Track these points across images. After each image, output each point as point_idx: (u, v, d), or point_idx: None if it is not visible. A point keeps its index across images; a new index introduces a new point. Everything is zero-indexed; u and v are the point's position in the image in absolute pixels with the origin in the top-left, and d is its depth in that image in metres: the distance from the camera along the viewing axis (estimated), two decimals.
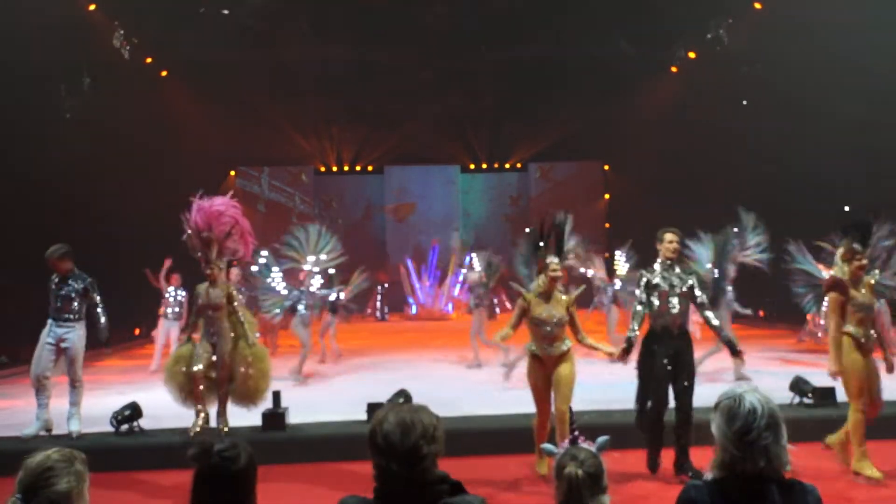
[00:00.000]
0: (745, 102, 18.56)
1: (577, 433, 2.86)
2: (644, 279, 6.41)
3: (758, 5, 16.54)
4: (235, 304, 7.57)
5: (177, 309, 12.70)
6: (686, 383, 6.18)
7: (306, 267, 12.20)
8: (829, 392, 7.73)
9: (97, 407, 8.37)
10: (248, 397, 7.44)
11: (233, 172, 25.90)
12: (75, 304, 7.45)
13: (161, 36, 17.68)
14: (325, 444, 7.22)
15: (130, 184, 16.65)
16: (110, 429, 7.41)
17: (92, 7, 15.42)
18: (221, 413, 7.37)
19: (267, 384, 7.51)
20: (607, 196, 26.89)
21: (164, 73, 19.53)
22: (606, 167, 26.87)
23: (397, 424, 2.19)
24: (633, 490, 5.86)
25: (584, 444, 2.80)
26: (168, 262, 12.93)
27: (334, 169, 26.46)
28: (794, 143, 16.08)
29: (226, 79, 20.29)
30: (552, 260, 6.32)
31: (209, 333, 7.49)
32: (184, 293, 12.57)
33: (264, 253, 12.28)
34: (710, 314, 6.43)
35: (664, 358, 6.13)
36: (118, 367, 13.13)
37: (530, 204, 26.90)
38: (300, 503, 6.03)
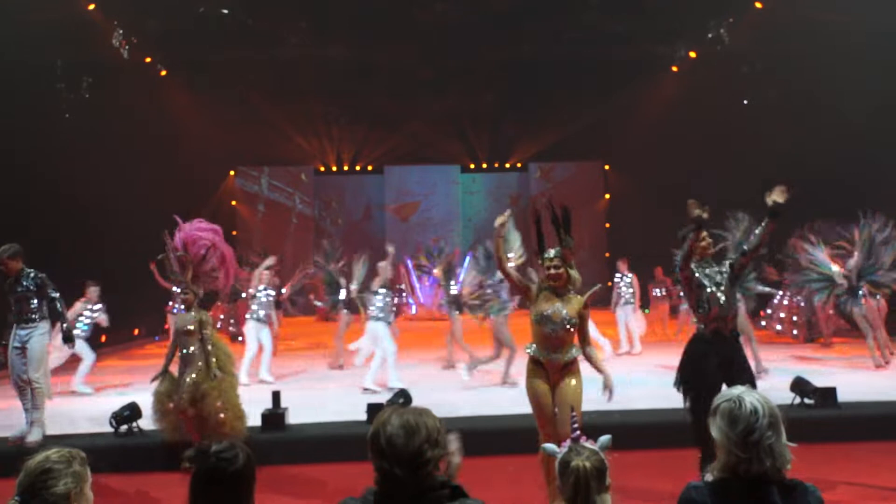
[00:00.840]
0: (745, 102, 18.55)
1: (578, 432, 2.84)
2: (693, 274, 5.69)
3: (759, 4, 16.51)
4: (207, 331, 7.07)
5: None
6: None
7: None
8: (831, 392, 7.71)
9: (97, 407, 8.37)
10: (220, 433, 6.56)
11: (232, 172, 25.90)
12: (33, 303, 7.19)
13: (160, 35, 17.66)
14: (325, 445, 7.20)
15: (130, 184, 16.63)
16: (109, 429, 7.40)
17: (91, 6, 15.39)
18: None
19: (240, 415, 6.97)
20: (607, 196, 26.88)
21: (163, 73, 19.51)
22: (606, 167, 26.86)
23: (401, 427, 2.16)
24: (634, 490, 5.84)
25: (587, 444, 2.79)
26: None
27: (334, 169, 26.46)
28: (794, 142, 16.06)
29: (225, 79, 20.28)
30: (549, 254, 5.38)
31: (182, 357, 7.12)
32: None
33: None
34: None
35: (716, 365, 5.48)
36: (118, 368, 13.13)
37: (530, 204, 26.89)
38: None
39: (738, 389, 2.43)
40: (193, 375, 6.90)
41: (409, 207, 26.79)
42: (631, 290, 13.64)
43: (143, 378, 11.53)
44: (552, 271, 5.33)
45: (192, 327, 7.05)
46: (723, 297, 5.56)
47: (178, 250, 7.30)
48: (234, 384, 7.16)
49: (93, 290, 10.96)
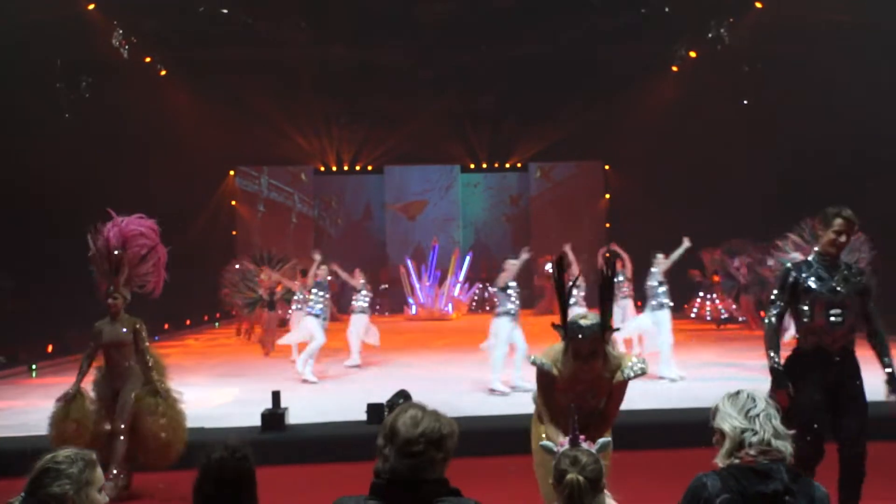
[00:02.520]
0: (745, 102, 18.54)
1: (577, 433, 2.84)
2: (790, 277, 4.57)
3: (759, 4, 16.51)
4: (144, 342, 6.32)
5: None
6: (856, 426, 4.44)
7: None
8: None
9: None
10: (160, 456, 6.14)
11: (232, 172, 25.88)
12: None
13: (160, 35, 17.66)
14: (325, 445, 7.19)
15: (129, 183, 16.62)
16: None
17: (91, 6, 15.38)
18: (120, 469, 6.01)
19: (183, 436, 6.21)
20: (608, 196, 26.86)
21: (163, 73, 19.50)
22: (607, 167, 26.84)
23: (410, 418, 2.28)
24: (634, 491, 5.83)
25: (585, 445, 2.78)
26: None
27: (334, 169, 26.43)
28: (795, 142, 16.06)
29: (225, 78, 20.28)
30: (583, 323, 3.80)
31: (110, 377, 6.26)
32: None
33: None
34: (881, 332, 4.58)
35: (818, 391, 4.41)
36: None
37: (530, 204, 26.88)
38: None
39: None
40: (134, 393, 6.15)
41: (416, 206, 26.73)
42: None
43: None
44: (583, 362, 3.82)
45: (127, 337, 6.24)
46: (838, 311, 4.45)
47: (112, 247, 6.41)
48: (177, 399, 6.36)
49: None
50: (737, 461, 2.47)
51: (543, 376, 4.01)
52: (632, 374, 3.90)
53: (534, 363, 4.05)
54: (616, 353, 3.99)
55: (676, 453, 6.73)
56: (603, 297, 3.88)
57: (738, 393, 2.59)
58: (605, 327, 3.80)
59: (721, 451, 2.52)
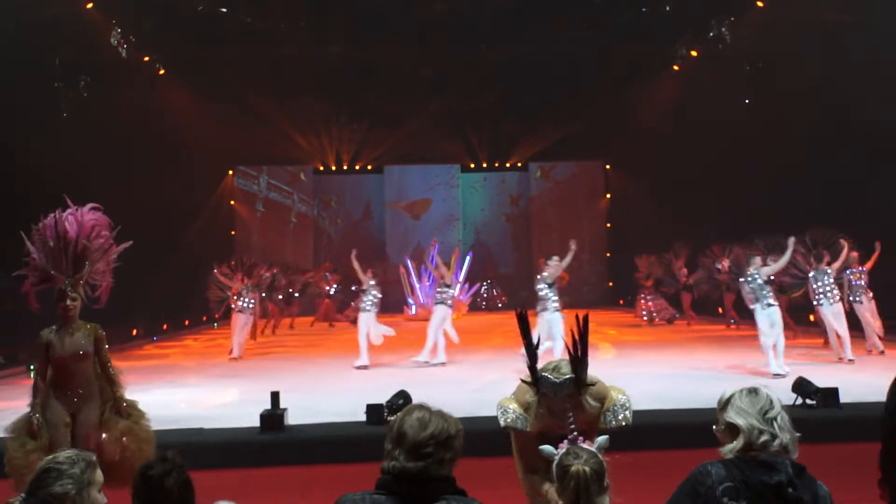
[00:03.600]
0: (746, 101, 18.52)
1: (576, 433, 2.82)
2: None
3: (760, 3, 16.49)
4: (104, 353, 5.46)
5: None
6: None
7: None
8: (833, 393, 7.67)
9: None
10: (125, 480, 4.48)
11: (231, 172, 25.87)
12: None
13: (159, 34, 17.64)
14: (325, 446, 7.16)
15: (128, 183, 16.60)
16: None
17: (89, 5, 15.36)
18: None
19: (150, 456, 4.67)
20: (608, 196, 26.85)
21: (161, 72, 19.48)
22: (607, 167, 26.84)
23: (417, 420, 2.32)
24: (634, 491, 5.80)
25: (584, 445, 2.76)
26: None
27: (333, 168, 26.42)
28: (795, 142, 16.03)
29: (224, 78, 20.26)
30: (554, 379, 3.48)
31: (64, 398, 5.24)
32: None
33: None
34: None
35: None
36: (116, 368, 13.07)
37: (530, 204, 26.87)
38: None
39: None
40: (96, 416, 5.26)
41: (420, 205, 26.71)
42: None
43: (142, 378, 11.51)
44: (558, 419, 3.44)
45: (88, 347, 5.32)
46: None
47: (70, 238, 5.54)
48: (142, 415, 5.53)
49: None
50: (745, 454, 2.48)
51: (520, 437, 3.68)
52: (613, 424, 3.55)
53: (505, 427, 3.69)
54: (599, 387, 3.58)
55: (677, 454, 6.70)
56: (576, 355, 3.44)
57: (756, 391, 2.57)
58: (579, 383, 3.43)
59: (730, 444, 2.51)
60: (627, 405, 3.61)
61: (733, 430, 2.52)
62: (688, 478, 2.51)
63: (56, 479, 2.46)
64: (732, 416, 2.54)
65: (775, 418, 2.50)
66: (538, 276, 11.29)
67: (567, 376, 3.44)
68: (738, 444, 2.49)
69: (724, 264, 16.21)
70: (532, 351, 3.53)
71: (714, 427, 2.64)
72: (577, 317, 3.49)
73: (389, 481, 2.26)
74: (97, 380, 5.40)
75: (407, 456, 2.25)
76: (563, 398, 3.41)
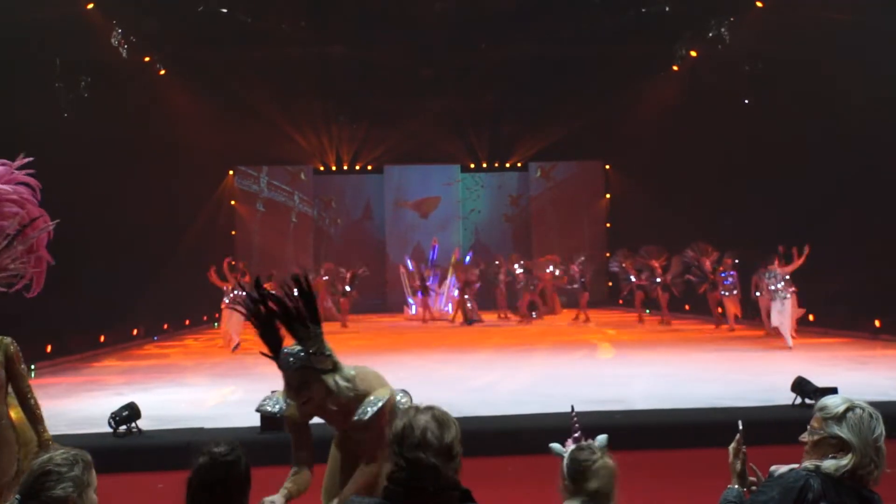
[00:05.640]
0: (746, 102, 18.52)
1: (579, 433, 2.82)
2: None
3: (760, 3, 16.48)
4: (24, 374, 4.11)
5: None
6: None
7: None
8: (832, 392, 7.67)
9: (95, 407, 8.33)
10: None
11: (231, 172, 25.86)
12: None
13: (159, 35, 17.63)
14: (325, 446, 7.14)
15: (128, 183, 16.61)
16: (108, 429, 7.36)
17: (90, 6, 15.36)
18: None
19: None
20: (608, 196, 26.85)
21: (162, 72, 19.48)
22: (607, 167, 26.83)
23: (433, 419, 2.28)
24: (634, 492, 5.81)
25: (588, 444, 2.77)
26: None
27: (333, 168, 26.41)
28: (795, 142, 16.03)
29: (224, 77, 20.25)
30: (287, 350, 3.31)
31: None
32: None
33: None
34: None
35: None
36: (116, 368, 13.08)
37: (530, 204, 26.86)
38: None
39: (841, 396, 2.53)
40: (14, 464, 4.00)
41: (429, 203, 26.63)
42: None
43: (142, 378, 11.54)
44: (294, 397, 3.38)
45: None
46: None
47: None
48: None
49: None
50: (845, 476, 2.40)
51: (289, 421, 3.49)
52: (364, 418, 3.35)
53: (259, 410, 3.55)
54: (370, 378, 3.46)
55: (677, 454, 6.72)
56: (286, 318, 3.12)
57: (877, 417, 2.44)
58: (311, 352, 3.12)
59: (836, 461, 2.41)
60: (378, 404, 3.40)
61: (843, 446, 2.40)
62: (784, 485, 2.41)
63: (57, 481, 2.41)
64: (847, 432, 2.40)
65: (881, 447, 2.40)
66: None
67: (294, 349, 3.20)
68: (847, 463, 2.38)
69: (708, 264, 16.39)
70: (289, 322, 3.19)
71: (808, 433, 2.51)
72: (297, 277, 3.26)
73: (397, 491, 2.23)
74: (11, 418, 3.96)
75: (409, 463, 2.22)
76: (295, 372, 3.21)
